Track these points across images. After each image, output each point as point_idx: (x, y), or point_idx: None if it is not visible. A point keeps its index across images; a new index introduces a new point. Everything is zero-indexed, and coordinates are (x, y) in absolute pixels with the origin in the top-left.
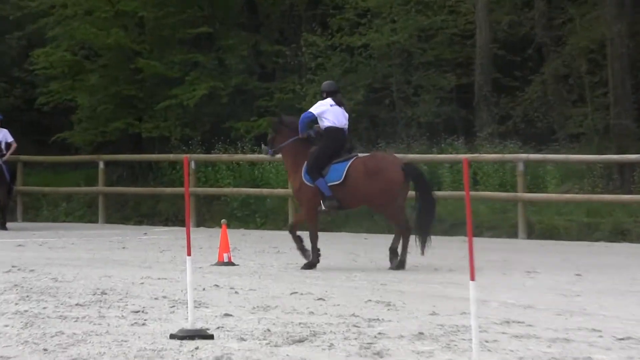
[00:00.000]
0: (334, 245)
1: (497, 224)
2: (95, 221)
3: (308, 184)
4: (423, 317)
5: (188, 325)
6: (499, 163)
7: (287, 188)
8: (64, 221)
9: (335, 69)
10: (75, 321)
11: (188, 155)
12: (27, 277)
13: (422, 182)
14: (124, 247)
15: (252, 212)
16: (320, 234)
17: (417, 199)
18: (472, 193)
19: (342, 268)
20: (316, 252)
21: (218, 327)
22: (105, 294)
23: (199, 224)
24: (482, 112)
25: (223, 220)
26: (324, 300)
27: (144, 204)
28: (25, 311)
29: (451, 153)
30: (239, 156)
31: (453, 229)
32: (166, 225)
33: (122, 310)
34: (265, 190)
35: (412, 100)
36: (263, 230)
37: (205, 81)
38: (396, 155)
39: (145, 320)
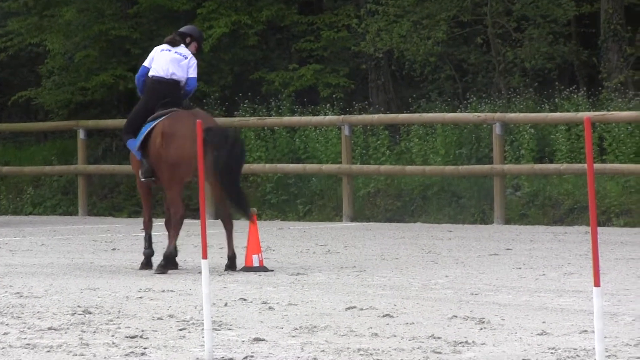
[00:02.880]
0: (405, 241)
1: (632, 207)
2: (75, 213)
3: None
4: (529, 339)
5: (205, 356)
6: (635, 124)
7: (340, 163)
8: (31, 214)
9: None
10: (48, 351)
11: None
12: None
13: (225, 153)
14: (114, 249)
15: (291, 197)
16: (384, 225)
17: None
18: (597, 166)
19: (416, 272)
20: (148, 241)
21: (246, 357)
22: (90, 313)
23: (219, 214)
24: (612, 53)
25: (252, 209)
26: (391, 317)
27: None
28: None
29: (568, 110)
30: (273, 119)
31: (571, 215)
32: None
33: (112, 336)
34: (310, 167)
35: (514, 38)
36: (307, 222)
37: (226, 15)
38: (212, 117)
39: (144, 349)
